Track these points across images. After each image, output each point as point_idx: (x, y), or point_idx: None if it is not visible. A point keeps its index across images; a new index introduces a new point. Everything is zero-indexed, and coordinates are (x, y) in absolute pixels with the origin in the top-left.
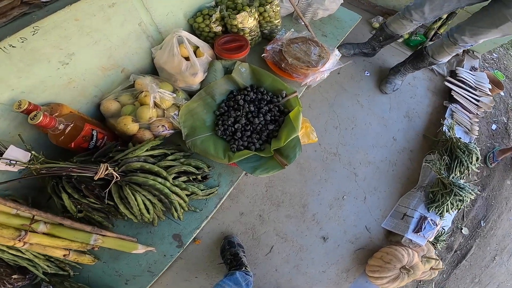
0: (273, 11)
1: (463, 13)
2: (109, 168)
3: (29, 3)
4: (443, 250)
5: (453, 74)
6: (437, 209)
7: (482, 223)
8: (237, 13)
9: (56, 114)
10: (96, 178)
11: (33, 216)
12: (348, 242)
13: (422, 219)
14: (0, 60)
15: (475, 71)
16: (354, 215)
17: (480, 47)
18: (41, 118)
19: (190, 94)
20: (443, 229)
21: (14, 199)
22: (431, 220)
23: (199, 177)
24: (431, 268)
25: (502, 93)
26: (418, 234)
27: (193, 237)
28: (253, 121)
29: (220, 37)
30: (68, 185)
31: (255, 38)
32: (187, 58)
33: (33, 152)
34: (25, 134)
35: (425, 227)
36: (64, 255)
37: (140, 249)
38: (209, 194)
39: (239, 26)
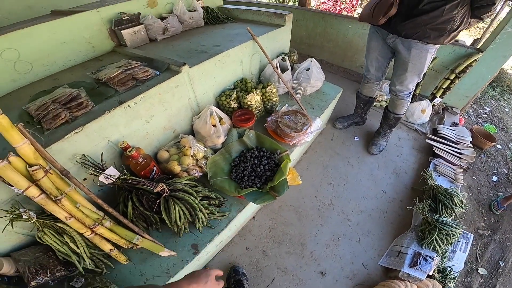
0: (272, 92)
1: (433, 73)
2: (164, 186)
3: (136, 79)
4: None
5: (435, 131)
6: (428, 245)
7: (501, 263)
8: (247, 94)
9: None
10: (155, 191)
11: (104, 215)
12: (346, 278)
13: (417, 255)
14: (120, 114)
15: (455, 126)
16: (350, 254)
17: (456, 102)
18: (134, 152)
19: (215, 150)
20: (451, 268)
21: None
22: (426, 255)
23: (216, 202)
24: None
25: (499, 146)
26: (415, 268)
27: (206, 247)
28: (256, 169)
29: (236, 111)
30: (135, 196)
31: (260, 112)
32: (214, 126)
33: (124, 172)
34: (116, 162)
35: (420, 262)
36: (110, 250)
37: (166, 252)
38: (222, 216)
39: (248, 103)
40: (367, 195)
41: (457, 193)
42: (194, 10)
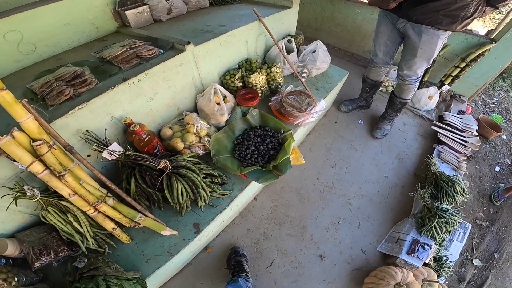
0: (277, 72)
1: (443, 61)
2: (167, 162)
3: (140, 57)
4: (454, 281)
5: (441, 118)
6: (427, 232)
7: (495, 255)
8: (252, 74)
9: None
10: (158, 167)
11: (107, 192)
12: (345, 262)
13: (415, 242)
14: (124, 90)
15: (462, 114)
16: (349, 238)
17: (464, 91)
18: (137, 128)
19: (218, 128)
20: (447, 257)
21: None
22: (424, 243)
23: (219, 180)
24: None
25: (504, 136)
26: (412, 255)
27: (207, 227)
28: (259, 148)
29: (240, 90)
30: (138, 173)
31: (264, 91)
32: (218, 104)
33: (128, 148)
34: (119, 138)
35: (418, 249)
36: (113, 228)
37: (167, 231)
38: (224, 194)
39: (253, 82)
40: (369, 179)
41: (459, 181)
42: None
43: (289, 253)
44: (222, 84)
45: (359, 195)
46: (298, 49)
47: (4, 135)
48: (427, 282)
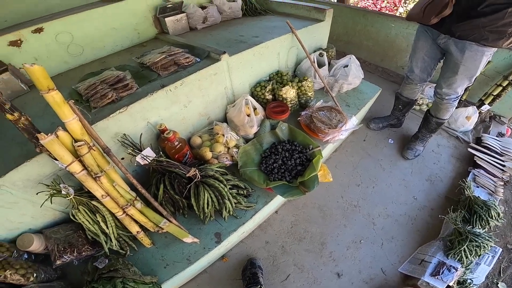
0: (308, 86)
1: (483, 79)
2: (196, 171)
3: (178, 65)
4: None
5: (478, 140)
6: (455, 255)
7: None
8: (283, 87)
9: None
10: (187, 175)
11: (136, 196)
12: (363, 281)
13: (441, 264)
14: (161, 97)
15: (501, 136)
16: (370, 258)
17: (506, 111)
18: (171, 135)
19: (246, 140)
20: (471, 280)
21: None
22: (451, 266)
23: (244, 192)
24: None
25: None
26: (436, 277)
27: (229, 237)
28: (287, 163)
29: (270, 103)
30: (168, 180)
31: (294, 105)
32: (248, 115)
33: (160, 154)
34: (152, 144)
35: (443, 272)
36: (137, 232)
37: (189, 239)
38: (249, 206)
39: (283, 95)
40: (396, 200)
41: (495, 206)
42: (233, 1)
43: (306, 268)
44: (252, 95)
45: (385, 215)
46: (329, 63)
47: (49, 134)
48: None
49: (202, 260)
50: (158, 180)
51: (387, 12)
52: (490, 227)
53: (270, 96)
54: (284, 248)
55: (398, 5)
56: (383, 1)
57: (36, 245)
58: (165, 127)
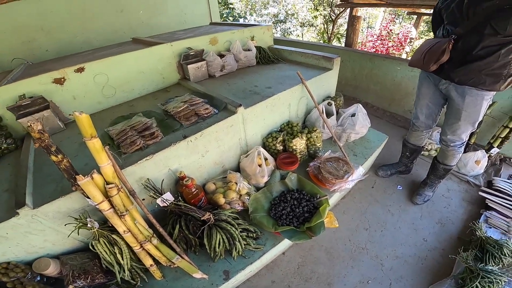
0: (316, 137)
1: (491, 121)
2: (211, 215)
3: (198, 115)
4: None
5: (490, 184)
6: None
7: None
8: (293, 138)
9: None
10: (202, 218)
11: (153, 233)
12: None
13: None
14: (183, 147)
15: None
16: None
17: None
18: (189, 182)
19: (257, 188)
20: None
21: None
22: None
23: (254, 235)
24: None
25: None
26: None
27: (237, 275)
28: (295, 210)
29: (281, 154)
30: (183, 221)
31: (303, 156)
32: (260, 165)
33: (179, 199)
34: (171, 188)
35: None
36: (151, 265)
37: (199, 274)
38: (257, 248)
39: (293, 147)
40: (405, 242)
41: (507, 244)
42: (249, 50)
43: None
44: (264, 145)
45: (393, 257)
46: (337, 112)
47: (86, 176)
48: None
49: None
50: (175, 220)
51: (394, 52)
52: (504, 264)
53: (281, 147)
54: None
55: (404, 44)
56: (390, 41)
57: (52, 269)
58: (184, 174)
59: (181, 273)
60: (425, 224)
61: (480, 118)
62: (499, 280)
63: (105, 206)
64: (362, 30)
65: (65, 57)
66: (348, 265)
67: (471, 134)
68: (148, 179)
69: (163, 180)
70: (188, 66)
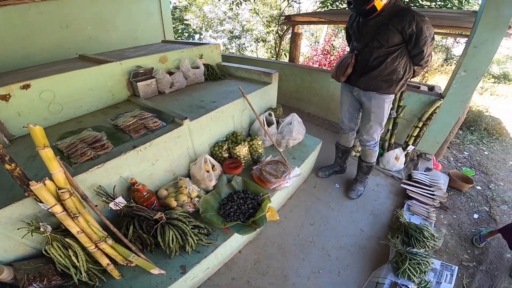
0: (258, 144)
1: (404, 122)
2: (162, 214)
3: (147, 128)
4: None
5: (410, 176)
6: (403, 274)
7: None
8: (236, 146)
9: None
10: (154, 217)
11: (108, 235)
12: None
13: (393, 284)
14: (132, 156)
15: (429, 171)
16: (330, 285)
17: (428, 149)
18: (140, 187)
19: (207, 191)
20: None
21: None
22: (403, 284)
23: (205, 231)
24: None
25: (479, 187)
26: None
27: (193, 269)
28: (241, 207)
29: (227, 160)
30: (137, 222)
31: (247, 161)
32: (207, 171)
33: (131, 201)
34: (124, 194)
35: None
36: (107, 264)
37: (156, 270)
38: (210, 243)
39: (237, 153)
40: (346, 233)
41: (427, 228)
42: (197, 67)
43: None
44: (211, 154)
45: (337, 247)
46: (277, 121)
47: (38, 182)
48: None
49: None
50: (129, 222)
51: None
52: (428, 247)
53: (227, 154)
54: (249, 283)
55: None
56: (331, 55)
57: (5, 275)
58: (135, 180)
59: (139, 271)
60: (361, 216)
61: (385, 119)
62: (426, 261)
63: (58, 209)
64: (310, 45)
65: (8, 72)
66: (300, 258)
67: (391, 135)
68: (100, 185)
69: (115, 186)
70: (138, 83)
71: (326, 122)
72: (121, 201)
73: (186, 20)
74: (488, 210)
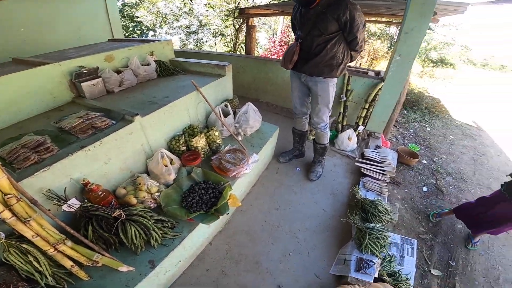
0: (215, 135)
1: (353, 105)
2: (121, 211)
3: (95, 128)
4: None
5: (363, 155)
6: (366, 249)
7: (451, 263)
8: (193, 138)
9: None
10: (113, 215)
11: (66, 236)
12: None
13: (359, 260)
14: (81, 157)
15: (379, 148)
16: (301, 267)
17: (376, 128)
18: (94, 186)
19: (167, 185)
20: (400, 271)
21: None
22: (368, 259)
23: (169, 224)
24: None
25: (424, 161)
26: (361, 272)
27: (162, 262)
28: (203, 197)
29: (185, 153)
30: (95, 222)
31: (206, 152)
32: (166, 165)
33: (85, 202)
34: (78, 196)
35: (364, 266)
36: (71, 266)
37: (124, 268)
38: (175, 235)
39: (194, 145)
40: (310, 215)
41: (380, 203)
42: (148, 64)
43: (249, 286)
44: (169, 148)
45: (304, 229)
46: (234, 112)
47: None
48: None
49: (141, 285)
50: (86, 223)
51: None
52: (385, 221)
53: (184, 147)
54: (224, 272)
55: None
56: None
57: None
58: (88, 181)
59: (107, 270)
60: (322, 196)
61: (331, 101)
62: (383, 235)
63: (6, 214)
64: (269, 37)
65: None
66: (269, 243)
67: (342, 117)
68: (49, 189)
69: (65, 188)
70: (82, 84)
71: (284, 109)
72: (74, 202)
73: (137, 17)
74: (435, 182)
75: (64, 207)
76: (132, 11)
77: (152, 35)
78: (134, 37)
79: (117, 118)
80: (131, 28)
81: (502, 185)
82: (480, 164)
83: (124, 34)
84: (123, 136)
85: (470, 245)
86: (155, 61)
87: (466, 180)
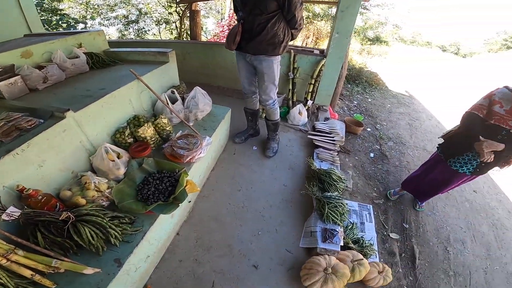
0: (163, 122)
1: (301, 81)
2: (69, 213)
3: (20, 129)
4: (387, 257)
5: (314, 128)
6: (328, 219)
7: (405, 225)
8: (139, 128)
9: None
10: (60, 218)
11: (15, 247)
12: (278, 265)
13: (324, 230)
14: (9, 162)
15: (327, 120)
16: (273, 244)
17: (323, 101)
18: (31, 191)
19: (118, 181)
20: (363, 238)
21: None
22: (331, 229)
23: (127, 220)
24: (379, 273)
25: (369, 129)
26: (327, 242)
27: (128, 259)
28: (158, 188)
29: (132, 145)
30: (42, 227)
31: (156, 141)
32: (113, 160)
33: (25, 210)
34: (15, 203)
35: (329, 236)
36: (31, 275)
37: (89, 270)
38: (136, 230)
39: (142, 135)
40: (272, 191)
41: (333, 171)
42: (77, 57)
43: (226, 271)
44: (114, 142)
45: (268, 206)
46: (183, 98)
47: None
48: (356, 262)
49: (112, 285)
50: (33, 229)
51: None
52: (341, 189)
53: (131, 139)
54: (198, 261)
55: None
56: None
57: None
58: (23, 187)
59: (72, 275)
60: (281, 172)
61: (277, 78)
62: (340, 203)
63: None
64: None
65: None
66: (237, 225)
67: (292, 94)
68: None
69: (0, 197)
70: None
71: (236, 91)
72: (13, 210)
73: (61, 10)
74: (379, 148)
75: (4, 217)
76: (54, 3)
77: (82, 28)
78: (60, 30)
79: (45, 116)
80: (54, 22)
81: (437, 147)
82: (415, 128)
83: (47, 29)
84: (56, 135)
85: (418, 207)
86: (85, 53)
87: (405, 144)
